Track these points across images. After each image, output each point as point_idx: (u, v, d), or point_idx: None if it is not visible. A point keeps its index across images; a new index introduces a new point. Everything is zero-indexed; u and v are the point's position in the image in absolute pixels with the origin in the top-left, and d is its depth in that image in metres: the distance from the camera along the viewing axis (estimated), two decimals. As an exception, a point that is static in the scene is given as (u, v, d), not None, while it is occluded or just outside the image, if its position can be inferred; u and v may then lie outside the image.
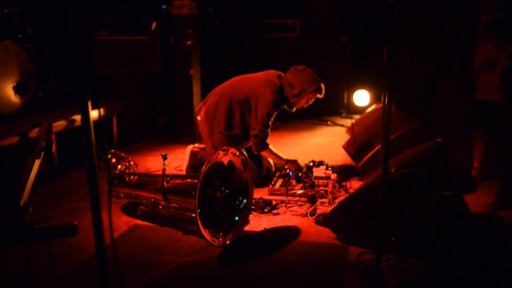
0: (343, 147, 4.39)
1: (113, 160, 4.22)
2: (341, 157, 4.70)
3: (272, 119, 3.89)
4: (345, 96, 7.09)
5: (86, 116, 1.28)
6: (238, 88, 3.98)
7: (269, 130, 3.90)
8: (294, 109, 4.11)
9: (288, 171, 4.01)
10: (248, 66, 6.42)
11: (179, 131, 5.83)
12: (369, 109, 4.86)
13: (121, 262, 2.58)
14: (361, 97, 6.86)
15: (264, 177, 4.04)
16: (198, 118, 4.11)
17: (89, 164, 1.39)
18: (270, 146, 3.97)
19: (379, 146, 3.83)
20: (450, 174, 3.19)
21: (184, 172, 4.20)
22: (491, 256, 2.71)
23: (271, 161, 4.19)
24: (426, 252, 2.72)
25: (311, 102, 4.05)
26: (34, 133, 1.91)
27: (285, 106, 4.09)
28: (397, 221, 2.64)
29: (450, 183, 3.52)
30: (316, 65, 7.02)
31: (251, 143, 3.93)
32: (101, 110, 1.39)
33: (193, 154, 4.19)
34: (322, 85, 3.99)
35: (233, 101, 3.91)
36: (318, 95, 4.00)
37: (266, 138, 3.90)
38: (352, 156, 4.25)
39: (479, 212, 3.33)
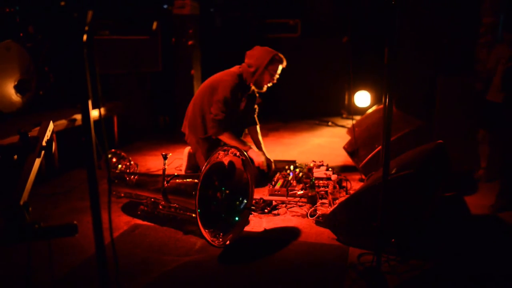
0: (344, 148, 4.39)
1: (114, 160, 4.23)
2: (341, 158, 4.70)
3: (229, 103, 3.85)
4: (346, 97, 7.10)
5: (86, 115, 1.29)
6: (204, 89, 4.02)
7: (225, 114, 3.83)
8: (264, 87, 4.04)
9: (288, 171, 4.01)
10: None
11: (180, 131, 5.83)
12: (370, 110, 4.86)
13: (121, 261, 2.59)
14: (362, 98, 6.87)
15: (266, 174, 4.03)
16: (185, 133, 4.13)
17: (89, 163, 1.39)
18: (229, 132, 3.89)
19: (380, 147, 3.83)
20: (451, 175, 3.19)
21: (183, 173, 4.21)
22: (491, 257, 2.71)
23: (271, 159, 4.18)
24: (426, 253, 2.72)
25: (277, 76, 3.99)
26: (34, 132, 1.91)
27: (254, 89, 4.06)
28: (397, 222, 2.64)
29: (451, 184, 3.53)
30: (317, 65, 7.10)
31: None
32: (102, 109, 1.39)
33: (190, 155, 4.19)
34: (280, 55, 3.93)
35: (203, 103, 3.95)
36: (280, 65, 3.95)
37: (222, 122, 3.84)
38: (352, 157, 4.26)
39: (479, 214, 3.33)
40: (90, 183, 1.37)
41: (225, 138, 3.91)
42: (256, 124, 4.30)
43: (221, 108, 3.83)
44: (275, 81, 4.03)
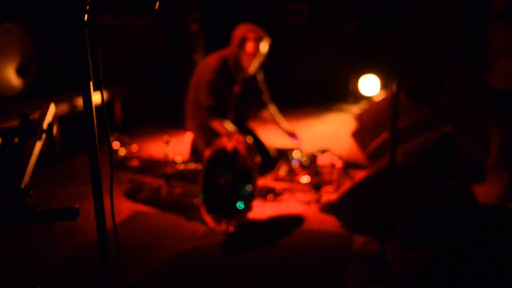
0: (350, 134, 4.37)
1: (116, 145, 4.24)
2: (347, 145, 4.68)
3: (215, 88, 3.63)
4: (352, 82, 7.05)
5: (87, 97, 1.28)
6: (196, 75, 3.86)
7: (213, 99, 3.62)
8: (251, 66, 3.73)
9: (291, 158, 4.00)
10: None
11: (183, 117, 5.82)
12: (377, 96, 4.83)
13: (123, 247, 2.57)
14: (369, 83, 6.77)
15: (269, 162, 4.00)
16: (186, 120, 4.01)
17: (91, 147, 1.39)
18: (219, 119, 3.63)
19: (387, 134, 3.82)
20: (458, 163, 3.18)
21: (186, 159, 4.21)
22: (498, 247, 2.71)
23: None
24: (432, 242, 2.72)
25: (260, 54, 3.71)
26: (35, 115, 1.90)
27: (244, 68, 3.76)
28: (403, 211, 2.64)
29: (459, 173, 3.52)
30: (323, 50, 7.06)
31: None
32: (105, 93, 1.38)
33: (193, 141, 4.18)
34: (255, 33, 3.66)
35: (197, 89, 3.78)
36: (259, 43, 3.64)
37: (212, 108, 3.62)
38: (359, 144, 4.24)
39: (487, 203, 3.32)
40: (92, 167, 1.36)
41: (214, 125, 3.70)
42: (267, 105, 4.08)
43: (207, 93, 3.63)
44: (261, 60, 3.75)
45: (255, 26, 3.72)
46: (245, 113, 4.11)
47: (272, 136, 4.49)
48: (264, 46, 3.67)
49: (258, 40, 3.64)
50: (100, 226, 1.47)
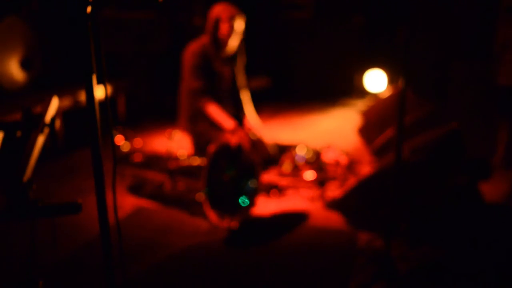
0: (356, 131, 4.34)
1: (120, 139, 4.23)
2: (352, 141, 4.67)
3: (200, 70, 3.57)
4: (357, 77, 7.01)
5: (90, 91, 1.27)
6: (182, 69, 3.78)
7: (200, 82, 3.54)
8: (228, 46, 3.65)
9: (294, 153, 3.97)
10: (261, 46, 6.34)
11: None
12: (383, 92, 4.80)
13: (125, 243, 2.57)
14: (375, 77, 6.72)
15: (273, 157, 3.97)
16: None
17: (93, 142, 1.38)
18: (213, 104, 3.55)
19: (393, 131, 3.79)
20: (465, 161, 3.16)
21: (189, 153, 4.20)
22: (503, 247, 2.69)
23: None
24: (437, 240, 2.70)
25: (236, 29, 3.62)
26: (38, 109, 1.90)
27: (222, 48, 3.68)
28: (408, 208, 2.62)
29: (465, 170, 3.49)
30: (328, 45, 7.03)
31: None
32: (108, 88, 1.37)
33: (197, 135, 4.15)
34: (230, 7, 3.60)
35: (185, 80, 3.72)
36: (233, 15, 3.57)
37: (200, 91, 3.53)
38: (365, 140, 4.22)
39: (493, 201, 3.30)
40: (94, 162, 1.36)
41: (209, 111, 3.58)
42: (241, 90, 3.89)
43: (194, 76, 3.55)
44: (238, 38, 3.67)
45: (228, 5, 3.63)
46: (237, 99, 3.90)
47: (275, 131, 4.48)
48: (239, 25, 3.60)
49: (231, 19, 3.58)
50: (103, 221, 1.46)
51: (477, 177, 3.66)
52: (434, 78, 4.57)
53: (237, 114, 3.79)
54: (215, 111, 3.53)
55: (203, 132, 3.68)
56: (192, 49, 3.64)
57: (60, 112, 4.36)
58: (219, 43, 3.64)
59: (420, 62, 4.59)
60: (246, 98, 3.91)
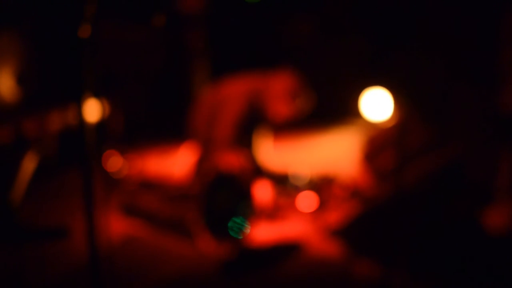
0: (358, 157, 4.30)
1: (115, 160, 4.21)
2: (352, 168, 4.64)
3: None
4: (358, 97, 6.96)
5: (82, 115, 1.28)
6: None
7: None
8: None
9: (292, 181, 3.94)
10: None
11: (185, 133, 5.84)
12: (386, 117, 4.72)
13: (116, 269, 2.57)
14: (377, 98, 6.49)
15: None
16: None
17: (84, 165, 1.39)
18: None
19: (397, 158, 3.78)
20: (466, 187, 3.16)
21: (187, 177, 4.19)
22: (506, 278, 2.68)
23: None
24: (437, 270, 2.69)
25: None
26: (30, 128, 1.91)
27: None
28: (409, 238, 2.63)
29: (466, 196, 3.49)
30: (330, 62, 7.06)
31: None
32: (105, 107, 1.38)
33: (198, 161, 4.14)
34: None
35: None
36: None
37: None
38: (367, 168, 4.18)
39: (494, 229, 3.28)
40: (85, 187, 1.36)
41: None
42: None
43: None
44: None
45: None
46: None
47: (272, 155, 4.46)
48: None
49: None
50: (92, 247, 1.46)
51: (477, 204, 3.64)
52: (437, 101, 4.58)
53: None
54: None
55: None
56: None
57: (53, 131, 4.36)
58: None
59: (423, 84, 4.60)
60: None
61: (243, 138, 3.86)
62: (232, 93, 3.85)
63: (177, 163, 4.69)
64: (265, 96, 3.80)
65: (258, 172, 3.78)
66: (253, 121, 3.85)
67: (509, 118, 3.66)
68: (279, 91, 3.75)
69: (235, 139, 3.66)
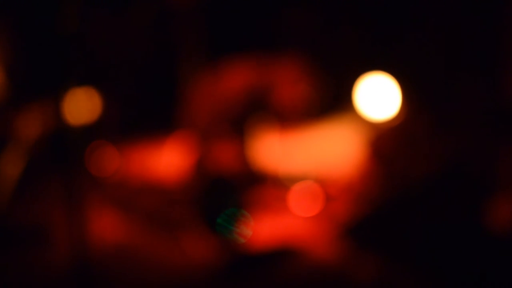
0: (360, 158, 4.26)
1: (105, 158, 4.19)
2: (350, 168, 4.58)
3: None
4: (357, 88, 6.87)
5: (65, 112, 1.23)
6: None
7: None
8: None
9: (287, 183, 3.91)
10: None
11: (178, 130, 5.85)
12: (390, 114, 4.65)
13: (106, 277, 2.55)
14: (377, 89, 6.02)
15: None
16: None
17: (68, 165, 1.34)
18: None
19: (399, 159, 3.78)
20: (467, 184, 3.19)
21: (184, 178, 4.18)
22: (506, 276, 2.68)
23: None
24: (443, 271, 2.68)
25: None
26: (10, 129, 1.88)
27: None
28: (414, 238, 2.67)
29: (466, 190, 3.50)
30: (327, 51, 7.00)
31: None
32: (96, 100, 1.35)
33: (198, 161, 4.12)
34: None
35: None
36: None
37: None
38: (369, 170, 4.16)
39: (496, 225, 3.24)
40: (67, 190, 1.31)
41: None
42: None
43: None
44: None
45: None
46: None
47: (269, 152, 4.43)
48: None
49: None
50: (77, 254, 1.42)
51: (478, 199, 3.65)
52: (438, 89, 4.59)
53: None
54: None
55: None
56: None
57: (37, 132, 4.32)
58: None
59: (423, 71, 4.60)
60: None
61: (243, 133, 3.84)
62: (235, 84, 3.80)
63: (168, 157, 4.65)
64: (271, 83, 3.72)
65: (256, 171, 3.77)
66: (255, 114, 3.80)
67: (509, 106, 3.68)
68: (287, 77, 3.68)
69: (234, 133, 3.63)
